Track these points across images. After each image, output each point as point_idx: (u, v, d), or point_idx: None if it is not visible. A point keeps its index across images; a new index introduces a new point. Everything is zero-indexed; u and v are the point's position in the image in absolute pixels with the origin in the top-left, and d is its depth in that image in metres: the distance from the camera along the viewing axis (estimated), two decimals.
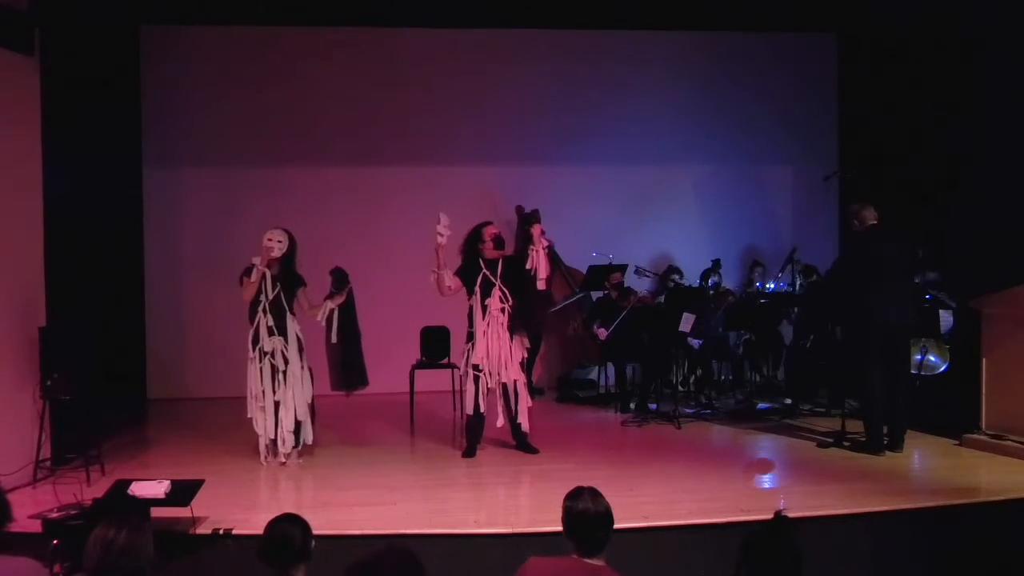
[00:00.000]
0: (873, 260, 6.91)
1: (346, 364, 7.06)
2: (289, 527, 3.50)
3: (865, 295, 6.88)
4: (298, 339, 6.86)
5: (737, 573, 3.05)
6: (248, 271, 6.79)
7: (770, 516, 3.28)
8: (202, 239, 9.52)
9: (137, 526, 3.17)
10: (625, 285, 9.26)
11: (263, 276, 6.73)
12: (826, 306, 7.95)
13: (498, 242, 7.07)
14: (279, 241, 6.75)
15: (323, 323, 6.91)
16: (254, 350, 6.78)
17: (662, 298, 9.45)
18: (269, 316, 6.75)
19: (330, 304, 6.89)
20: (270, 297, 6.76)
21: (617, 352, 9.00)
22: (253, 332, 6.78)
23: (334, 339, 6.93)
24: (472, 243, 7.08)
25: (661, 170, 10.26)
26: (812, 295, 9.00)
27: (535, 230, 7.16)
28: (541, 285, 7.14)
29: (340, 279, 6.99)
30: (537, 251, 7.01)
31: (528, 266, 6.97)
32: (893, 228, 7.06)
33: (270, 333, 6.74)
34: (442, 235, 6.84)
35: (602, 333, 8.95)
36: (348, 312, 7.01)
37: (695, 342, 8.85)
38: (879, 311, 6.83)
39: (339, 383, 7.15)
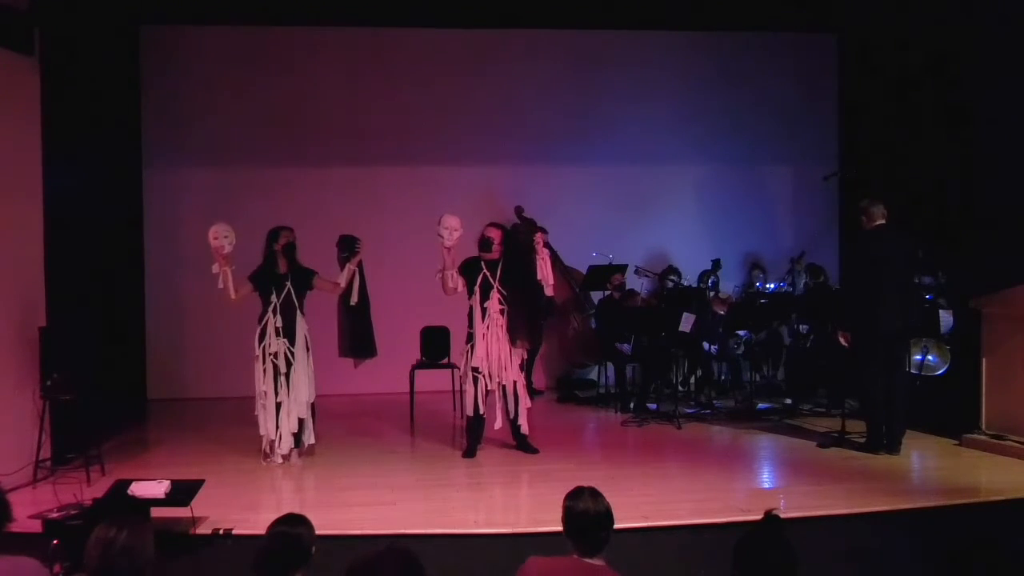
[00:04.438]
0: (877, 259, 6.91)
1: (358, 330, 7.04)
2: (295, 528, 3.46)
3: (870, 295, 6.87)
4: (306, 340, 6.85)
5: (733, 574, 3.06)
6: (251, 278, 6.80)
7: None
8: (202, 239, 9.42)
9: (137, 526, 3.17)
10: (628, 287, 9.27)
11: (227, 274, 6.60)
12: (842, 311, 7.67)
13: (482, 244, 7.03)
14: (225, 236, 6.58)
15: (345, 286, 6.89)
16: (259, 349, 6.78)
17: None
18: (278, 317, 6.75)
19: (351, 267, 6.88)
20: (281, 297, 6.75)
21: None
22: (260, 331, 6.78)
23: (354, 299, 6.90)
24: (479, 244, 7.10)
25: (661, 170, 10.27)
26: (820, 299, 8.98)
27: (538, 239, 7.16)
28: (549, 291, 7.18)
29: (350, 242, 6.97)
30: (544, 259, 7.02)
31: (539, 277, 6.98)
32: (896, 227, 7.06)
33: (277, 334, 6.74)
34: (441, 236, 6.81)
35: (626, 349, 8.99)
36: (361, 275, 7.00)
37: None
38: (886, 313, 6.83)
39: (349, 350, 7.12)
